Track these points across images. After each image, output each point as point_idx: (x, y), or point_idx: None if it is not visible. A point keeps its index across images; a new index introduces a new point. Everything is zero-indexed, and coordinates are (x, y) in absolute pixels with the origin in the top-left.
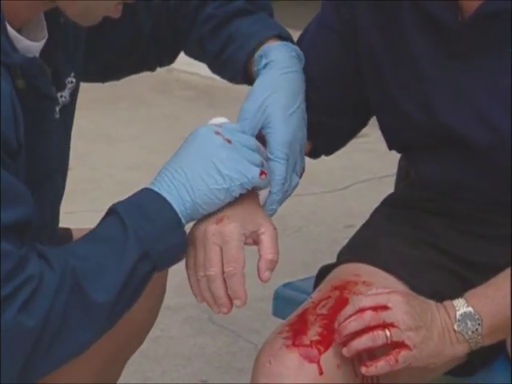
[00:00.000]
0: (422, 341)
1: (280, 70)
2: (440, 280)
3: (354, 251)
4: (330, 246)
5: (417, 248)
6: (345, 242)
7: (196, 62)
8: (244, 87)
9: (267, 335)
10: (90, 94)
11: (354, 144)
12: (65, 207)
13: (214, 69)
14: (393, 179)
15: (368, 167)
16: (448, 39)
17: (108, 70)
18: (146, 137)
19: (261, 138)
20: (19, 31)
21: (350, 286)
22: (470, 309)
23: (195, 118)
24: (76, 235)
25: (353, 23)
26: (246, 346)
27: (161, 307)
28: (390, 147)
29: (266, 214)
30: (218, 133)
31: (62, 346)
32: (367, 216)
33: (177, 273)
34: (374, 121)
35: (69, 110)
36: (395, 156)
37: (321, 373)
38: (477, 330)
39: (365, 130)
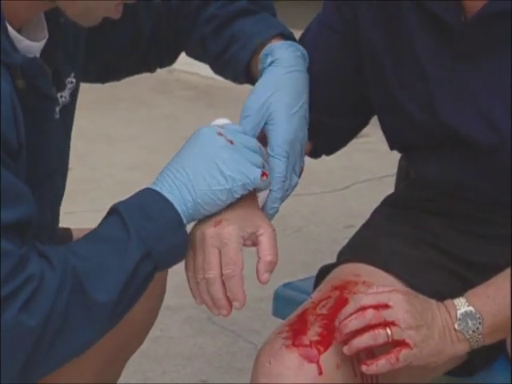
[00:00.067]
0: (423, 340)
1: (285, 68)
2: (440, 280)
3: (354, 251)
4: (330, 246)
5: (417, 248)
6: (345, 242)
7: (196, 62)
8: (244, 87)
9: (267, 335)
10: (90, 94)
11: (354, 144)
12: (65, 207)
13: (216, 69)
14: (393, 179)
15: (368, 167)
16: (451, 39)
17: (108, 70)
18: (146, 137)
19: (262, 137)
20: (19, 31)
21: (350, 286)
22: (471, 308)
23: (195, 118)
24: (76, 235)
25: (354, 23)
26: (245, 346)
27: (161, 307)
28: (392, 147)
29: (264, 215)
30: (220, 134)
31: (63, 345)
32: (367, 216)
33: (177, 273)
34: (374, 121)
35: (69, 110)
36: (395, 156)
37: (320, 373)
38: (477, 329)
39: (365, 130)
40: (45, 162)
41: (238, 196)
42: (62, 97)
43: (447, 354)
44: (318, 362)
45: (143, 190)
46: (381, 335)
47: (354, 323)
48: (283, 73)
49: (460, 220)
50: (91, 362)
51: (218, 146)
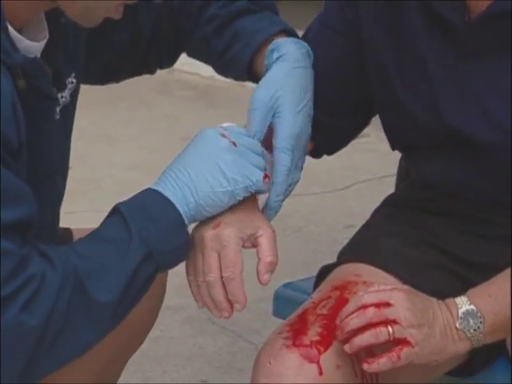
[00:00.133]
0: (424, 338)
1: (292, 63)
2: (440, 280)
3: (354, 251)
4: (330, 246)
5: (417, 248)
6: (345, 242)
7: (196, 62)
8: (244, 88)
9: (267, 335)
10: (91, 94)
11: (354, 144)
12: (65, 207)
13: (219, 68)
14: (393, 179)
15: (368, 167)
16: (455, 39)
17: (109, 70)
18: (146, 137)
19: (266, 140)
20: (20, 31)
21: (351, 286)
22: (473, 307)
23: (195, 118)
24: (76, 235)
25: (356, 23)
26: (246, 346)
27: (161, 307)
28: (393, 147)
29: (264, 216)
30: (223, 135)
31: (64, 345)
32: (367, 216)
33: (177, 273)
34: (374, 121)
35: (69, 110)
36: (395, 156)
37: (321, 373)
38: (479, 328)
39: (365, 130)
40: (45, 162)
41: (240, 198)
42: (62, 97)
43: (448, 353)
44: (318, 362)
45: (145, 190)
46: (382, 333)
47: (355, 321)
48: (290, 68)
49: (460, 220)
50: (92, 362)
51: (221, 147)
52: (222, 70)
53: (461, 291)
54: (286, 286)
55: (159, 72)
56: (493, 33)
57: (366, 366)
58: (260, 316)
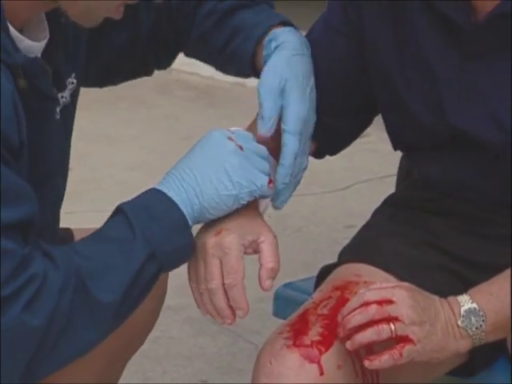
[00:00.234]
0: (426, 336)
1: (291, 51)
2: (441, 280)
3: (354, 251)
4: (330, 246)
5: (417, 248)
6: (345, 242)
7: (196, 62)
8: (244, 88)
9: (268, 335)
10: (91, 94)
11: (355, 144)
12: (65, 207)
13: (220, 65)
14: (393, 179)
15: (369, 167)
16: (460, 39)
17: (108, 71)
18: (146, 137)
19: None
20: (21, 31)
21: (351, 287)
22: (475, 305)
23: (195, 118)
24: (77, 235)
25: (360, 24)
26: (246, 346)
27: (162, 308)
28: (395, 147)
29: (265, 222)
30: (230, 138)
31: (66, 345)
32: (367, 216)
33: (177, 273)
34: (375, 121)
35: (69, 110)
36: (396, 156)
37: (321, 373)
38: (480, 326)
39: (366, 130)
40: (45, 162)
41: (244, 202)
42: (62, 97)
43: (450, 351)
44: (319, 363)
45: (148, 190)
46: (384, 330)
47: (357, 318)
48: (289, 55)
49: (461, 220)
50: (93, 362)
51: (228, 150)
52: (223, 66)
53: (461, 291)
54: (286, 286)
55: (159, 72)
56: (499, 33)
57: (367, 363)
58: (260, 316)
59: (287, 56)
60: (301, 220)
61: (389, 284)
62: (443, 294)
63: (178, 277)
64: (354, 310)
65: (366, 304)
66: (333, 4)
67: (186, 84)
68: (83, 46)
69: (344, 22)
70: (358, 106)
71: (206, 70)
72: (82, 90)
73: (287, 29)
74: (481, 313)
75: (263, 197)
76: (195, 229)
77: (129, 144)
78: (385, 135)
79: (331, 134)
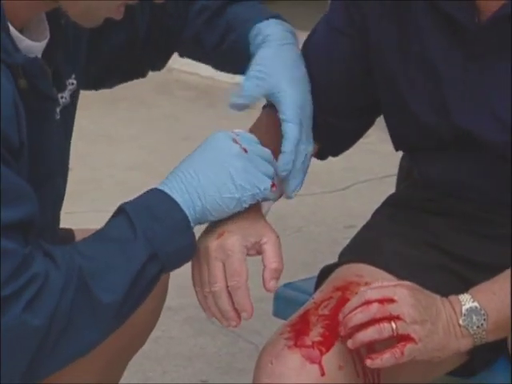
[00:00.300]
0: (427, 334)
1: (277, 41)
2: (441, 280)
3: (355, 252)
4: (330, 246)
5: (418, 248)
6: (345, 242)
7: (196, 62)
8: None
9: (267, 336)
10: (91, 94)
11: (354, 144)
12: (65, 207)
13: (216, 63)
14: (393, 180)
15: (369, 167)
16: (464, 40)
17: (108, 72)
18: (146, 137)
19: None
20: (21, 31)
21: (352, 287)
22: (476, 304)
23: (195, 118)
24: (78, 236)
25: (363, 24)
26: (246, 346)
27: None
28: (397, 148)
29: (267, 223)
30: (235, 141)
31: (67, 345)
32: (367, 216)
33: (178, 273)
34: (375, 121)
35: (69, 111)
36: (396, 156)
37: (322, 373)
38: (482, 325)
39: None
40: (45, 162)
41: (247, 206)
42: (62, 97)
43: (451, 350)
44: (320, 363)
45: (150, 190)
46: (386, 329)
47: (358, 317)
48: (277, 45)
49: (462, 220)
50: (94, 362)
51: (232, 153)
52: (219, 64)
53: (462, 291)
54: (286, 286)
55: (159, 72)
56: (503, 33)
57: (369, 362)
58: (260, 316)
59: (274, 46)
60: (301, 220)
61: (390, 283)
62: (444, 294)
63: (178, 277)
64: (356, 308)
65: (368, 303)
66: (335, 4)
67: (185, 84)
68: (83, 46)
69: (347, 23)
70: (361, 106)
71: (206, 70)
72: (82, 90)
73: (271, 21)
74: (482, 312)
75: (266, 200)
76: (196, 230)
77: (129, 144)
78: (385, 136)
79: (334, 134)
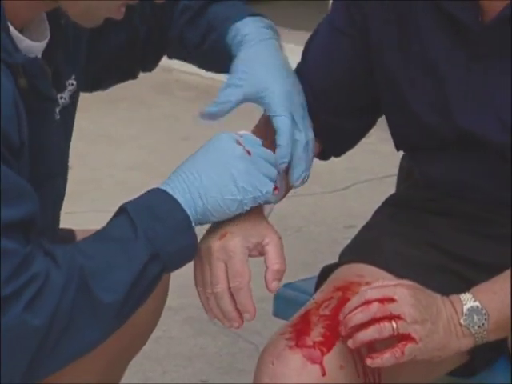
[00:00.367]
0: (428, 334)
1: (254, 40)
2: (442, 280)
3: (355, 252)
4: (330, 246)
5: (418, 248)
6: (345, 242)
7: None
8: None
9: (268, 336)
10: (90, 94)
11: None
12: (65, 207)
13: (200, 62)
14: (394, 180)
15: (369, 168)
16: (467, 40)
17: (107, 73)
18: (146, 137)
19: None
20: (21, 31)
21: (353, 287)
22: (477, 303)
23: (195, 118)
24: (79, 236)
25: (364, 24)
26: (246, 346)
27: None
28: (398, 148)
29: (270, 224)
30: (239, 142)
31: (68, 345)
32: (368, 216)
33: (178, 273)
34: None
35: (69, 111)
36: (396, 157)
37: (324, 374)
38: (483, 324)
39: None
40: (45, 162)
41: (248, 208)
42: (61, 98)
43: (452, 349)
44: (321, 363)
45: (152, 189)
46: (386, 328)
47: (358, 316)
48: (255, 43)
49: (463, 220)
50: (94, 362)
51: (236, 155)
52: (204, 64)
53: (463, 291)
54: (286, 286)
55: (159, 72)
56: (507, 34)
57: (369, 362)
58: (260, 316)
59: (251, 47)
60: (301, 220)
61: (390, 282)
62: (444, 294)
63: (178, 277)
64: (356, 308)
65: (368, 302)
66: (337, 4)
67: (185, 84)
68: (83, 46)
69: (348, 23)
70: (363, 106)
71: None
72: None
73: (247, 20)
74: (483, 311)
75: (267, 202)
76: (198, 230)
77: (129, 144)
78: (385, 136)
79: (336, 135)
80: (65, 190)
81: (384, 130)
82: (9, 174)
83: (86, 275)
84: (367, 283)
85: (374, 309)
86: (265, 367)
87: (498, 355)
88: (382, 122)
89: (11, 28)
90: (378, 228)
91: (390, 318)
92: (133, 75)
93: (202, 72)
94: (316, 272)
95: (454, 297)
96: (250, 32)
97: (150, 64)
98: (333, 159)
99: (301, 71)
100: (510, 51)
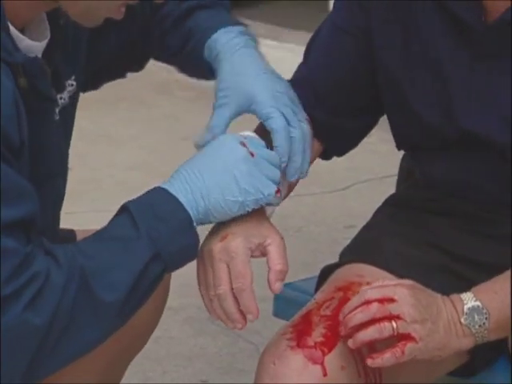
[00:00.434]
0: (428, 334)
1: (229, 51)
2: (442, 280)
3: (355, 252)
4: (330, 246)
5: (418, 248)
6: (345, 242)
7: None
8: None
9: (268, 336)
10: (91, 94)
11: None
12: (65, 207)
13: (180, 67)
14: (394, 180)
15: (369, 168)
16: (471, 40)
17: (107, 73)
18: (146, 137)
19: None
20: (22, 31)
21: (354, 287)
22: (478, 303)
23: (195, 118)
24: (80, 237)
25: (366, 23)
26: (246, 346)
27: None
28: (399, 147)
29: (272, 225)
30: (243, 144)
31: (69, 344)
32: (368, 216)
33: (178, 273)
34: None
35: (69, 111)
36: (396, 156)
37: (325, 374)
38: (484, 324)
39: None
40: (45, 162)
41: (249, 210)
42: (61, 98)
43: (452, 348)
44: (322, 364)
45: (154, 189)
46: (386, 328)
47: (358, 316)
48: (230, 55)
49: (464, 220)
50: (95, 362)
51: (239, 156)
52: (183, 68)
53: (463, 292)
54: (286, 286)
55: (159, 72)
56: (510, 34)
57: (369, 362)
58: (260, 316)
59: (228, 59)
60: (301, 220)
61: (390, 282)
62: (445, 294)
63: (178, 277)
64: (356, 308)
65: (368, 302)
66: (340, 4)
67: (185, 84)
68: (83, 47)
69: (351, 22)
70: (365, 106)
71: None
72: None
73: (221, 31)
74: (484, 311)
75: (269, 205)
76: (199, 231)
77: (129, 144)
78: (385, 136)
79: (338, 134)
80: (65, 190)
81: (384, 131)
82: (9, 174)
83: (86, 274)
84: (368, 283)
85: (374, 309)
86: (266, 367)
87: (498, 355)
88: (382, 122)
89: (11, 27)
90: (378, 228)
91: (390, 317)
92: (123, 75)
93: None
94: (316, 272)
95: (454, 296)
96: (222, 47)
97: (137, 64)
98: (333, 159)
99: (303, 71)
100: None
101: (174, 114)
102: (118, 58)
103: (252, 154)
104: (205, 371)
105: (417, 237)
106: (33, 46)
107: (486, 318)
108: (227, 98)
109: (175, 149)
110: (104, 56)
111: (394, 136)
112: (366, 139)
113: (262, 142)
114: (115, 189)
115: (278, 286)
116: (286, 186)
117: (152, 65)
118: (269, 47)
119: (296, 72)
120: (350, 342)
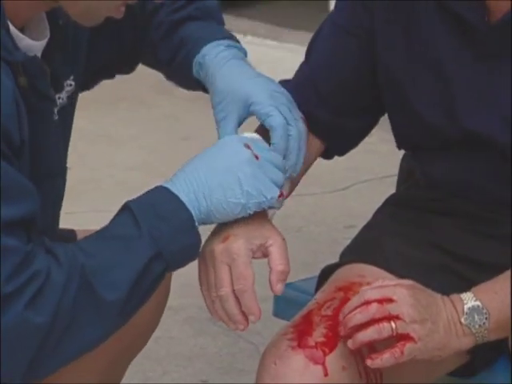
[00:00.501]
0: (428, 334)
1: (217, 65)
2: (443, 280)
3: (356, 252)
4: (331, 246)
5: (419, 248)
6: (345, 242)
7: None
8: None
9: (268, 336)
10: (90, 94)
11: None
12: (65, 207)
13: (168, 75)
14: (394, 180)
15: (369, 168)
16: (474, 40)
17: (107, 73)
18: (146, 137)
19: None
20: (22, 30)
21: (355, 287)
22: (478, 303)
23: (195, 118)
24: (80, 237)
25: (369, 24)
26: (246, 346)
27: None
28: (400, 147)
29: (273, 226)
30: (248, 146)
31: (70, 343)
32: (368, 216)
33: (179, 273)
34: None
35: (68, 111)
36: (396, 157)
37: (326, 374)
38: (484, 324)
39: None
40: (45, 162)
41: (251, 212)
42: (59, 98)
43: (452, 348)
44: (323, 364)
45: (156, 188)
46: (385, 329)
47: (358, 317)
48: (219, 68)
49: (465, 220)
50: (96, 362)
51: (243, 158)
52: (171, 77)
53: (464, 292)
54: (286, 286)
55: (159, 72)
56: None
57: (369, 362)
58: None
59: (218, 76)
60: (301, 220)
61: (390, 282)
62: (445, 295)
63: (178, 276)
64: (355, 308)
65: (367, 303)
66: (341, 4)
67: None
68: (83, 47)
69: (354, 23)
70: (366, 106)
71: None
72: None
73: (210, 45)
74: (484, 310)
75: (271, 208)
76: (201, 231)
77: (129, 144)
78: (385, 135)
79: (339, 134)
80: (64, 190)
81: (385, 131)
82: (10, 172)
83: (87, 273)
84: (368, 283)
85: (373, 309)
86: (267, 367)
87: (498, 355)
88: (383, 122)
89: (11, 26)
90: (378, 228)
91: (389, 318)
92: (113, 76)
93: None
94: (316, 272)
95: (454, 296)
96: (211, 62)
97: (127, 66)
98: (333, 159)
99: (305, 71)
100: None
101: (174, 114)
102: (118, 58)
103: (256, 157)
104: (205, 371)
105: (417, 237)
106: (32, 45)
107: (486, 318)
108: (224, 111)
109: (175, 149)
110: (105, 56)
111: (395, 136)
112: (366, 139)
113: (267, 145)
114: (115, 189)
115: (279, 287)
116: (288, 187)
117: None
118: (269, 47)
119: (298, 72)
120: (350, 343)
